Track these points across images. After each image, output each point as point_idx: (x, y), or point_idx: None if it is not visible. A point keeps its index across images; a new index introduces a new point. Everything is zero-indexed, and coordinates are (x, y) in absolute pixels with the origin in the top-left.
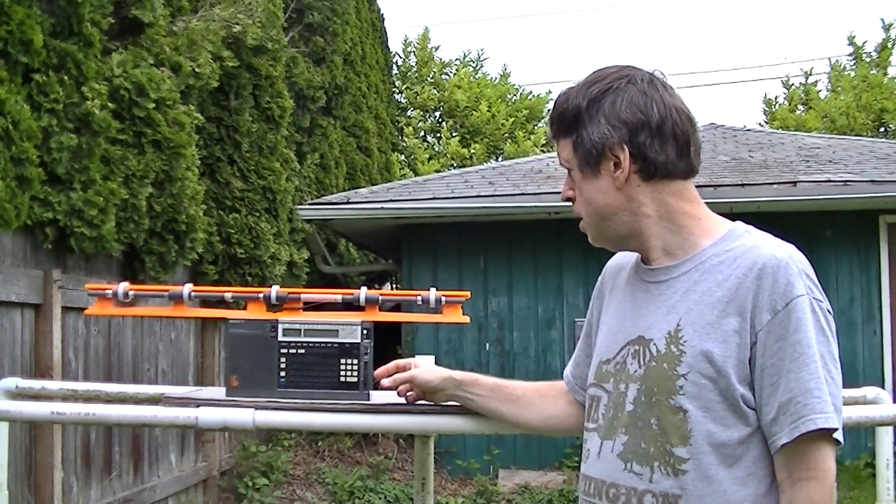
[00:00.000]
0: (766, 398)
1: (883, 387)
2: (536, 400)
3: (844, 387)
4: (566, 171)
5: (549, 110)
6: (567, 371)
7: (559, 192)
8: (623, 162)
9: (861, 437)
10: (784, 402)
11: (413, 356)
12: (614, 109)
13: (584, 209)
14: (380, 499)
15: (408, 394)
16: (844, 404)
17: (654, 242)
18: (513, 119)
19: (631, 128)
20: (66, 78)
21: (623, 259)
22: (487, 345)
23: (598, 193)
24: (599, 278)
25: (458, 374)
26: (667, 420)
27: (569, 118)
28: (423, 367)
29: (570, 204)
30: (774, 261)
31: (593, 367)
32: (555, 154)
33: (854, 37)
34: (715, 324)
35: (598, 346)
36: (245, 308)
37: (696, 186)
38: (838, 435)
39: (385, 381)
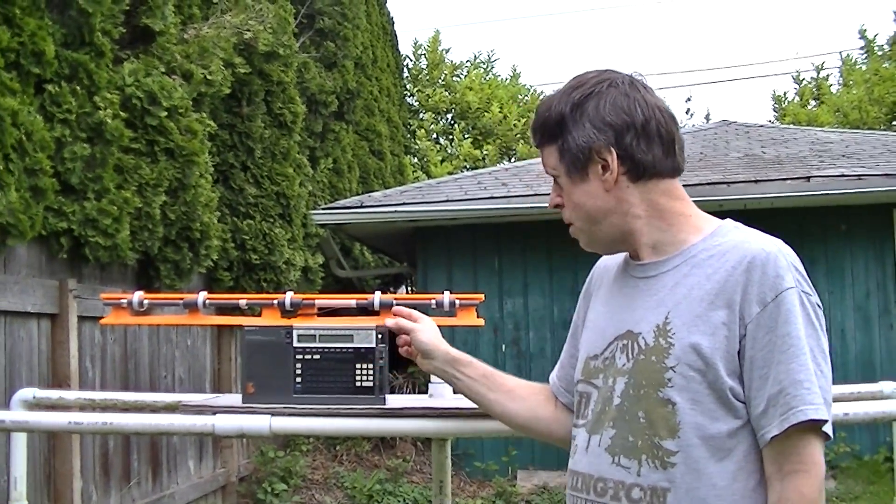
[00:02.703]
0: (755, 391)
1: None
2: (529, 396)
3: (861, 381)
4: (552, 179)
5: (535, 115)
6: (553, 375)
7: None
8: (611, 164)
9: (879, 433)
10: (773, 394)
11: None
12: (598, 113)
13: (575, 214)
14: (398, 502)
15: (404, 347)
16: (861, 399)
17: (644, 240)
18: (525, 119)
19: (616, 130)
20: (78, 88)
21: (611, 260)
22: (504, 346)
23: (587, 198)
24: (588, 279)
25: (455, 352)
26: (655, 413)
27: (552, 125)
28: (425, 328)
29: (558, 211)
30: (763, 254)
31: (580, 363)
32: None
33: (865, 30)
34: (703, 316)
35: (584, 343)
36: (260, 314)
37: (710, 184)
38: (827, 428)
39: (389, 322)
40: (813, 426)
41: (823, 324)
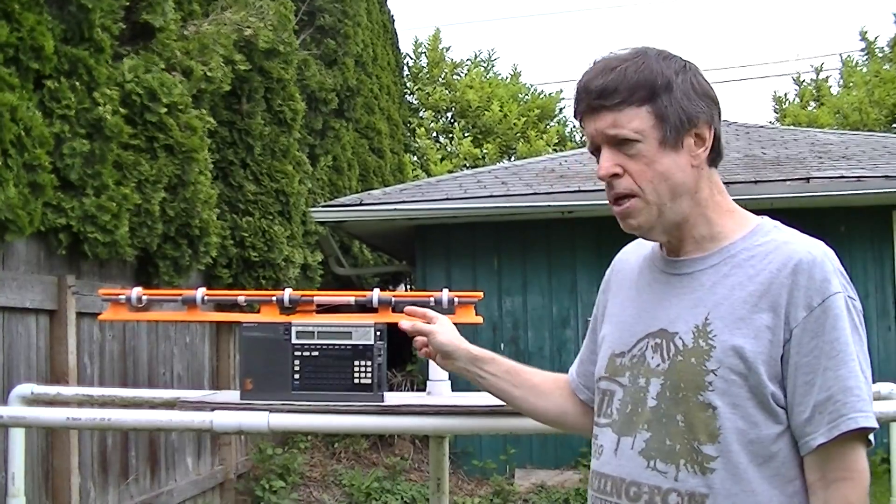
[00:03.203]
0: (799, 397)
1: None
2: (555, 391)
3: None
4: (609, 144)
5: (596, 76)
6: (572, 369)
7: (573, 192)
8: (707, 141)
9: (877, 434)
10: (821, 401)
11: None
12: (701, 86)
13: (654, 185)
14: (396, 500)
15: (422, 349)
16: None
17: (693, 233)
18: (525, 118)
19: (714, 107)
20: (77, 84)
21: (631, 252)
22: (502, 344)
23: (676, 169)
24: (607, 272)
25: (476, 350)
26: (694, 416)
27: (649, 85)
28: (444, 329)
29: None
30: (810, 257)
31: (603, 359)
32: (567, 153)
33: (866, 32)
34: (746, 319)
35: (608, 339)
36: (258, 311)
37: None
38: (871, 436)
39: (404, 324)
40: (860, 434)
41: (865, 330)
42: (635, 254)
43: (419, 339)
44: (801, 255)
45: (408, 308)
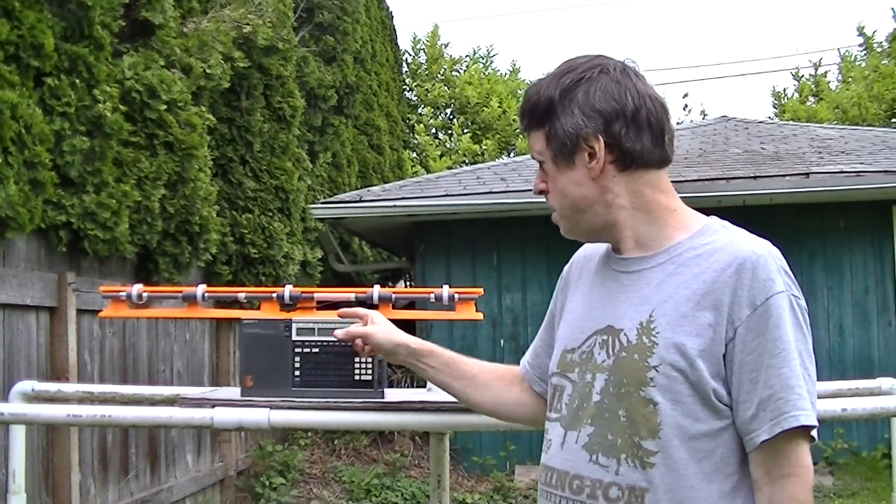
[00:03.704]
0: (744, 394)
1: None
2: (493, 382)
3: (860, 377)
4: (538, 164)
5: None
6: (524, 360)
7: None
8: (598, 152)
9: (877, 429)
10: (764, 399)
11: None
12: (588, 99)
13: (559, 202)
14: (396, 496)
15: (365, 347)
16: (859, 395)
17: (628, 233)
18: None
19: (606, 117)
20: (77, 81)
21: (591, 250)
22: (502, 341)
23: (572, 185)
24: (566, 268)
25: (415, 343)
26: (636, 412)
27: (541, 110)
28: (379, 327)
29: (543, 198)
30: (754, 256)
31: (556, 355)
32: None
33: (864, 27)
34: (689, 316)
35: (561, 335)
36: (259, 308)
37: (709, 179)
38: (814, 432)
39: (338, 333)
40: (803, 431)
41: (809, 326)
42: (594, 250)
43: (356, 343)
44: (746, 255)
45: (341, 311)
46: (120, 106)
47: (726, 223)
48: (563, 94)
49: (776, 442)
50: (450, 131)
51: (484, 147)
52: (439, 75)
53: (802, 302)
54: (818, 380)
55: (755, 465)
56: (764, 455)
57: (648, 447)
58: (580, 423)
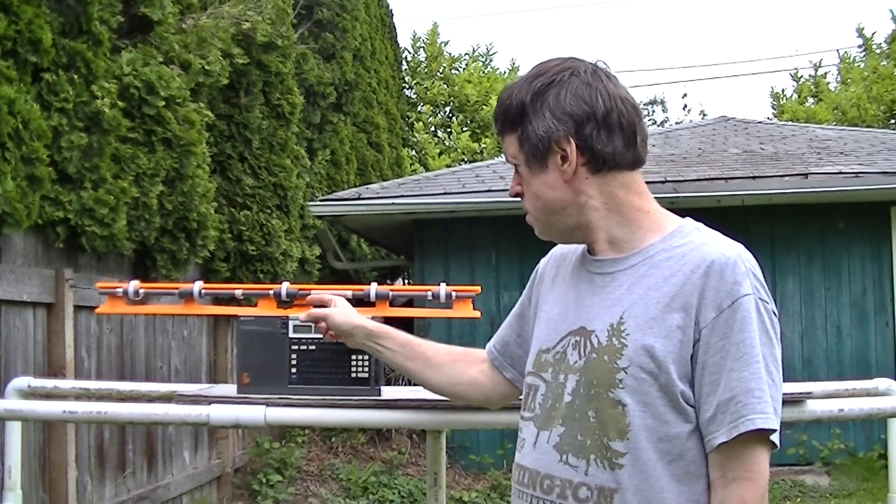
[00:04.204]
0: (705, 396)
1: (895, 378)
2: (447, 363)
3: (857, 378)
4: (513, 167)
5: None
6: (490, 344)
7: None
8: (570, 155)
9: (874, 429)
10: (724, 401)
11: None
12: (559, 102)
13: (533, 204)
14: (393, 494)
15: (325, 333)
16: (856, 395)
17: (601, 235)
18: None
19: (577, 120)
20: (75, 77)
21: (568, 248)
22: None
23: (545, 188)
24: (542, 263)
25: (372, 325)
26: (605, 413)
27: (513, 114)
28: (339, 310)
29: (518, 199)
30: (723, 259)
31: (532, 355)
32: None
33: (863, 28)
34: (658, 319)
35: (537, 335)
36: (256, 305)
37: (708, 179)
38: (775, 437)
39: (301, 316)
40: (761, 435)
41: (778, 331)
42: (570, 249)
43: (320, 325)
44: (715, 257)
45: (309, 297)
46: (118, 102)
47: (700, 225)
48: (534, 97)
49: (734, 445)
50: (449, 129)
51: (483, 145)
52: (439, 73)
53: (771, 306)
54: (818, 380)
55: (713, 466)
56: (721, 457)
57: (617, 448)
58: (552, 423)
